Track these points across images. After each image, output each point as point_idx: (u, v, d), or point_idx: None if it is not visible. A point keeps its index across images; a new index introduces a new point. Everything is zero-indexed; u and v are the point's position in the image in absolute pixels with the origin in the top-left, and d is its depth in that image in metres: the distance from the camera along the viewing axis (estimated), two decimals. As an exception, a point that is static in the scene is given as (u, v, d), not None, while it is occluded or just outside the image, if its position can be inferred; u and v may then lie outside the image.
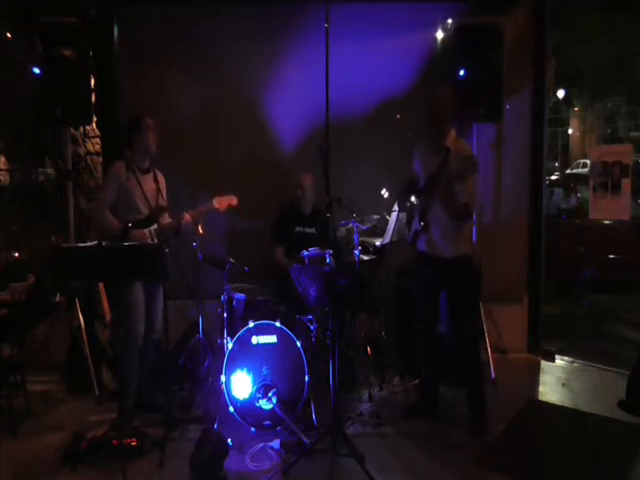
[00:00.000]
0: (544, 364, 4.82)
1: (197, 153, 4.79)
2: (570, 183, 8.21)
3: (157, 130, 3.80)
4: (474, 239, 4.15)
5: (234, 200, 3.87)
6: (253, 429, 3.51)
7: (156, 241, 3.68)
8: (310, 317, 3.95)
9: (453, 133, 3.48)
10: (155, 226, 3.74)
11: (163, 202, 3.83)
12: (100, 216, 3.68)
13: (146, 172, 3.80)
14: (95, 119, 4.77)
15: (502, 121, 4.69)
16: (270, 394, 3.46)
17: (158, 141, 3.80)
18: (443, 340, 3.76)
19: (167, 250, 3.52)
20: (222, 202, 3.83)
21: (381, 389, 4.19)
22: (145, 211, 3.72)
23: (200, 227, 3.84)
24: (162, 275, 3.42)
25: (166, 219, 3.83)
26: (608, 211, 4.96)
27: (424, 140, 3.62)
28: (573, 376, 4.55)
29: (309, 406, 3.60)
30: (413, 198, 3.53)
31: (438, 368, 3.78)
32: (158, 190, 3.80)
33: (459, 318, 3.56)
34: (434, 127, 3.49)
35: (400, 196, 3.71)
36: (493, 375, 4.34)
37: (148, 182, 3.78)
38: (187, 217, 3.75)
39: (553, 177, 10.05)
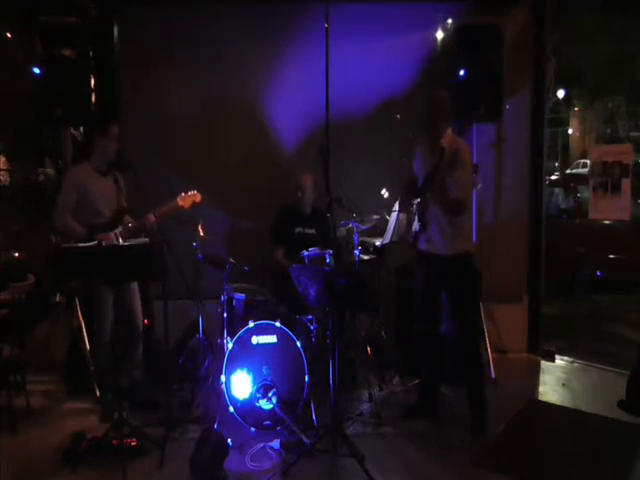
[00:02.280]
0: (544, 364, 4.81)
1: (197, 153, 4.79)
2: (570, 183, 8.20)
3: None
4: (474, 238, 4.16)
5: (197, 197, 3.91)
6: (253, 429, 3.51)
7: (122, 243, 3.70)
8: (310, 317, 3.95)
9: (450, 132, 3.50)
10: (120, 228, 3.76)
11: (124, 204, 3.86)
12: (61, 222, 3.72)
13: (105, 174, 3.82)
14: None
15: (502, 121, 4.69)
16: (270, 394, 3.46)
17: (119, 149, 3.84)
18: (443, 340, 3.76)
19: (167, 248, 3.52)
20: (186, 199, 3.88)
21: (381, 389, 4.18)
22: (108, 213, 3.76)
23: (200, 228, 3.85)
24: (162, 275, 3.42)
25: (129, 220, 3.86)
26: (608, 211, 4.95)
27: (423, 140, 3.65)
28: (573, 376, 4.55)
29: (309, 406, 3.60)
30: (415, 200, 3.56)
31: (438, 368, 3.78)
32: (119, 192, 3.82)
33: (460, 317, 3.56)
34: (430, 128, 3.53)
35: (403, 198, 3.73)
36: (493, 375, 4.33)
37: (108, 184, 3.81)
38: (152, 217, 3.78)
39: (553, 177, 10.03)
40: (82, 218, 3.70)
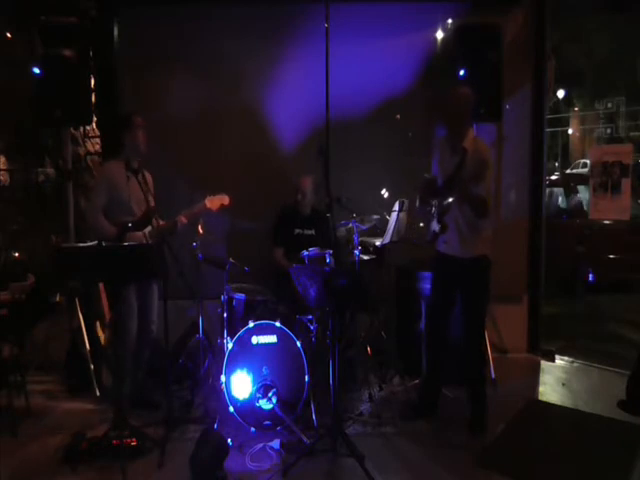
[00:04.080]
0: (544, 364, 4.81)
1: (197, 153, 4.79)
2: (570, 183, 8.20)
3: (148, 129, 3.78)
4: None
5: (226, 199, 3.84)
6: (253, 429, 3.50)
7: (150, 242, 3.67)
8: (310, 317, 3.95)
9: (472, 132, 3.44)
10: (150, 228, 3.75)
11: (152, 203, 3.80)
12: (93, 219, 3.69)
13: (136, 172, 3.77)
14: (95, 119, 4.76)
15: (502, 121, 4.68)
16: (270, 394, 3.46)
17: (148, 140, 3.78)
18: (447, 340, 3.75)
19: (169, 250, 3.52)
20: (214, 202, 3.81)
21: (381, 389, 4.18)
22: (138, 212, 3.73)
23: (200, 227, 3.84)
24: (162, 275, 3.42)
25: (159, 221, 3.83)
26: (608, 211, 4.96)
27: (443, 140, 3.56)
28: (573, 376, 4.55)
29: (309, 406, 3.60)
30: (434, 200, 3.47)
31: (439, 368, 3.77)
32: (147, 191, 3.77)
33: (469, 318, 3.55)
34: (453, 127, 3.44)
35: (422, 199, 3.59)
36: (493, 375, 4.33)
37: (139, 182, 3.77)
38: (182, 219, 3.76)
39: (553, 177, 10.02)
40: (115, 217, 3.67)
